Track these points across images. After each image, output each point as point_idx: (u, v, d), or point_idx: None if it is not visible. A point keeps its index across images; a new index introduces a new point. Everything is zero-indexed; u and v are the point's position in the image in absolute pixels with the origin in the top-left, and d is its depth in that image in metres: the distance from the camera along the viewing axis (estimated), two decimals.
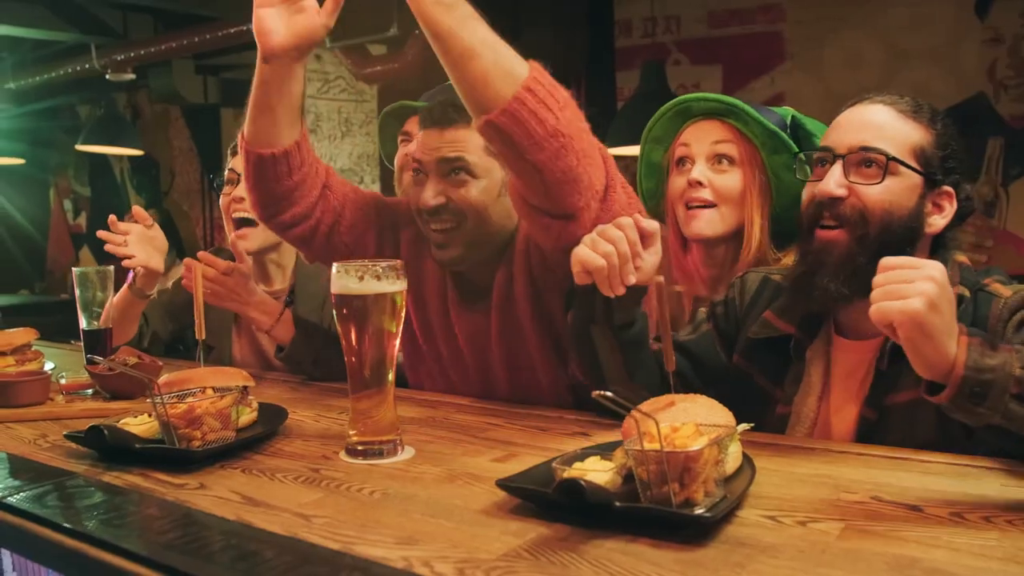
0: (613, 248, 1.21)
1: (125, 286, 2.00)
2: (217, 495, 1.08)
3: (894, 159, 1.24)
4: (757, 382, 1.44)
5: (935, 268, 0.99)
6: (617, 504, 0.92)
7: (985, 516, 0.97)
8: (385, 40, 5.48)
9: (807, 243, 1.33)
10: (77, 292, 1.78)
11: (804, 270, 1.33)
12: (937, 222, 1.27)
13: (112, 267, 1.81)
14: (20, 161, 6.85)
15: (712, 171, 1.67)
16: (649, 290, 1.32)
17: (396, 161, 2.33)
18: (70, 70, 6.19)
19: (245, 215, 2.00)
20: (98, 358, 1.48)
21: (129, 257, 1.90)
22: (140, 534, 0.96)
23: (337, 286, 1.21)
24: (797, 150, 1.60)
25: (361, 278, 1.20)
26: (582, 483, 0.91)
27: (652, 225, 1.25)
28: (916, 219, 1.25)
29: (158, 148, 7.61)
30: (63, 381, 1.62)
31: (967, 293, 1.26)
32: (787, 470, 1.16)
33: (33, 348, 1.80)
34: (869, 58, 4.96)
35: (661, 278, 1.06)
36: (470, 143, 1.55)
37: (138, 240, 1.92)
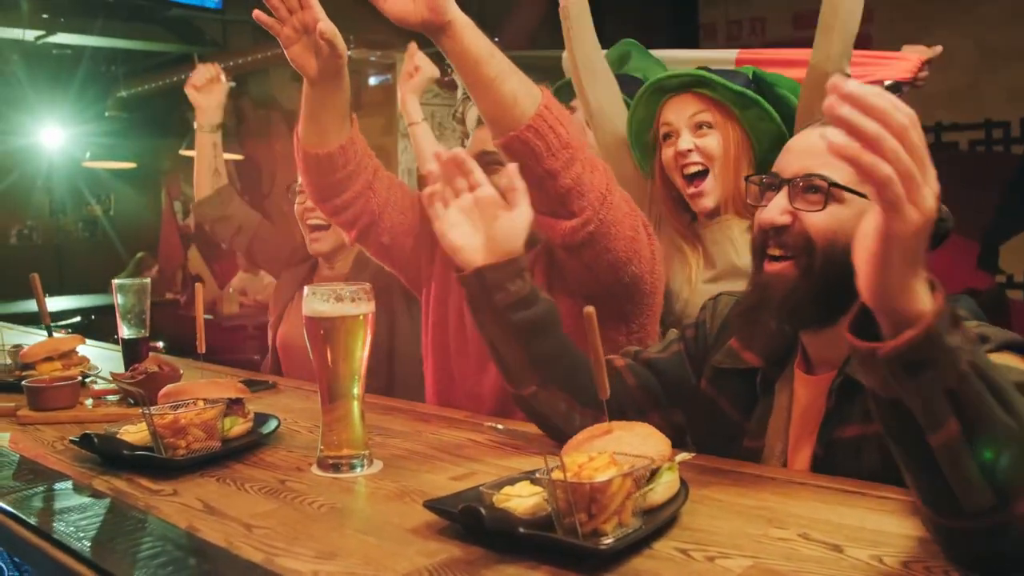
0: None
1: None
2: (183, 502, 1.18)
3: (835, 184, 1.19)
4: (723, 410, 1.41)
5: (937, 188, 0.83)
6: (521, 530, 0.96)
7: (904, 561, 0.95)
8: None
9: (756, 274, 1.29)
10: (118, 301, 1.93)
11: (750, 304, 1.30)
12: None
13: (148, 280, 1.95)
14: (132, 165, 7.31)
15: (695, 137, 1.89)
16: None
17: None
18: (175, 79, 6.57)
19: (318, 221, 2.27)
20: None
21: None
22: (92, 536, 1.05)
23: (308, 309, 1.28)
24: (763, 101, 1.85)
25: (330, 300, 1.27)
26: (480, 509, 0.95)
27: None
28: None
29: (261, 152, 7.95)
30: (96, 387, 1.76)
31: None
32: (731, 500, 1.16)
33: (79, 354, 1.96)
34: (959, 58, 4.74)
35: (591, 308, 1.08)
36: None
37: None
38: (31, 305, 5.83)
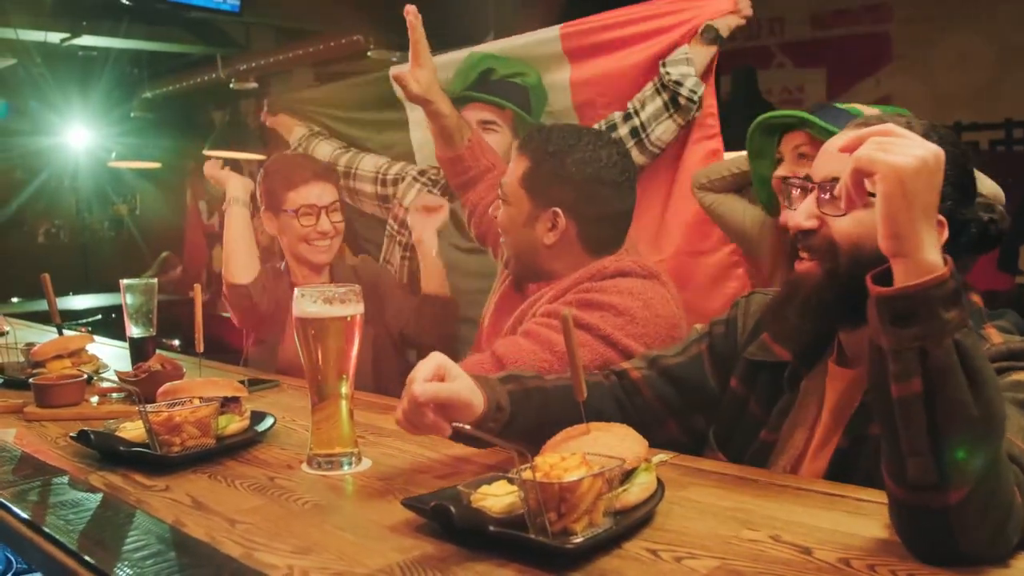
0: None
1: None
2: (173, 498, 1.21)
3: None
4: (751, 409, 1.42)
5: (935, 147, 0.95)
6: (491, 529, 0.98)
7: (871, 564, 0.95)
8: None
9: (788, 272, 1.32)
10: (125, 301, 1.98)
11: (779, 300, 1.32)
12: None
13: (155, 280, 2.00)
14: (156, 165, 7.40)
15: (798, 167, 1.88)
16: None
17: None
18: (198, 80, 6.66)
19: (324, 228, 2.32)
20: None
21: None
22: (80, 529, 1.09)
23: (298, 310, 1.31)
24: None
25: (319, 302, 1.30)
26: (450, 507, 0.97)
27: None
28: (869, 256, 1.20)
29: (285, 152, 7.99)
30: (102, 384, 1.80)
31: None
32: (709, 502, 1.17)
33: (89, 352, 2.00)
34: (979, 57, 4.69)
35: (568, 311, 1.10)
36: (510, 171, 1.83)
37: None
38: (58, 303, 5.94)
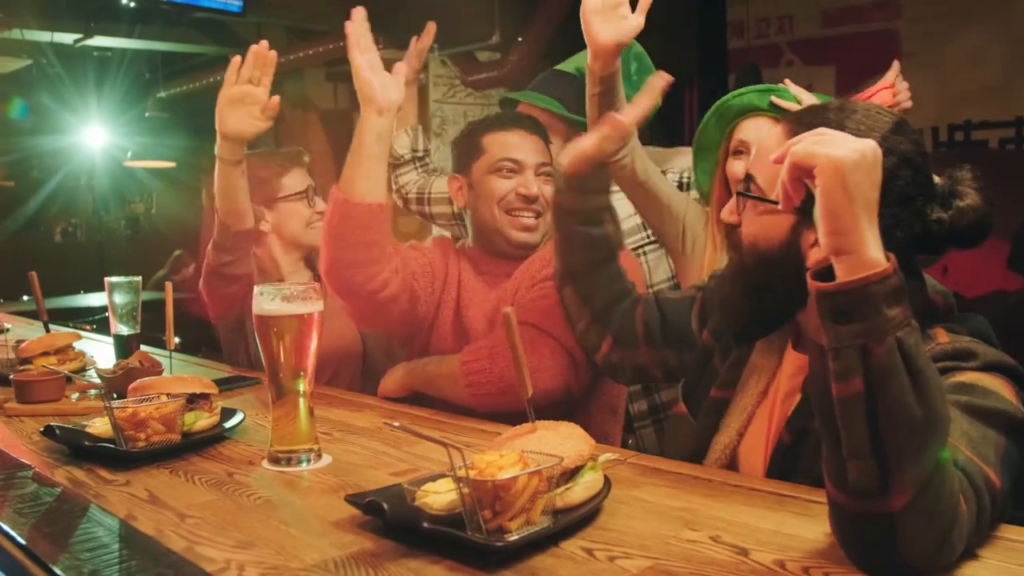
0: None
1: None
2: (131, 492, 1.23)
3: (742, 194, 1.23)
4: (714, 363, 1.44)
5: (871, 142, 0.94)
6: (424, 525, 0.98)
7: (806, 567, 0.95)
8: (490, 47, 5.65)
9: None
10: (110, 299, 2.01)
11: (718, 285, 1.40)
12: (818, 255, 1.21)
13: (139, 278, 2.02)
14: (171, 164, 7.51)
15: None
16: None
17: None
18: (211, 80, 6.73)
19: None
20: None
21: None
22: (32, 522, 1.11)
23: (256, 308, 1.32)
24: None
25: (277, 300, 1.31)
26: (383, 504, 0.98)
27: None
28: (788, 251, 1.18)
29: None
30: (83, 380, 1.83)
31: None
32: (657, 501, 1.17)
33: (76, 349, 2.03)
34: (991, 55, 4.64)
35: (510, 308, 1.10)
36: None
37: None
38: (70, 301, 6.02)
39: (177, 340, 4.00)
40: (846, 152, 0.91)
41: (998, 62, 4.67)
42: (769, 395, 1.33)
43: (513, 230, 1.86)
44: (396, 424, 0.98)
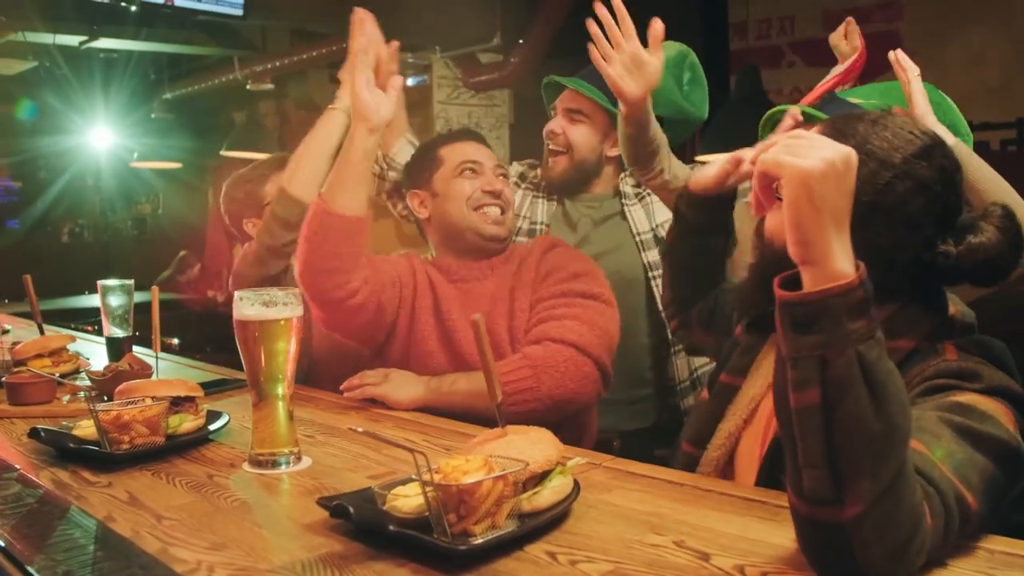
0: None
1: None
2: (112, 494, 1.25)
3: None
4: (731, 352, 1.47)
5: (848, 150, 0.92)
6: (391, 528, 1.00)
7: (764, 572, 0.96)
8: (491, 49, 5.67)
9: None
10: (103, 301, 2.03)
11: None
12: None
13: (131, 281, 2.05)
14: (177, 165, 7.53)
15: None
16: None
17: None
18: (216, 81, 6.77)
19: None
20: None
21: None
22: (12, 523, 1.13)
23: (236, 313, 1.34)
24: None
25: (256, 305, 1.33)
26: (349, 507, 1.00)
27: None
28: None
29: None
30: (73, 383, 1.85)
31: (909, 345, 1.19)
32: (627, 506, 1.18)
33: (71, 351, 2.06)
34: (993, 56, 4.63)
35: (479, 316, 1.12)
36: None
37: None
38: (75, 302, 6.05)
39: (176, 341, 4.05)
40: (812, 163, 0.90)
41: (999, 63, 4.66)
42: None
43: (483, 224, 1.95)
44: (359, 429, 1.00)
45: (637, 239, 2.26)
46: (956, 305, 1.25)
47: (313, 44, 6.10)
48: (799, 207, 0.91)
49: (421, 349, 1.88)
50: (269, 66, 6.38)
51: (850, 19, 2.22)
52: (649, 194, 2.29)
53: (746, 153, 1.51)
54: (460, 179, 1.97)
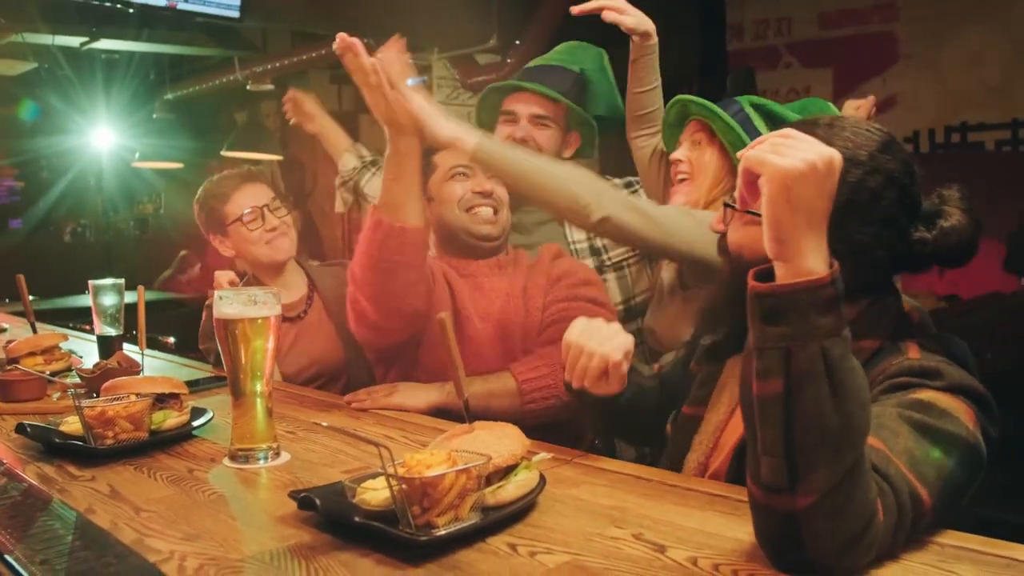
0: None
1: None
2: (94, 487, 1.29)
3: (729, 205, 1.26)
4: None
5: (832, 153, 0.95)
6: (356, 520, 1.04)
7: (716, 564, 0.99)
8: (489, 50, 5.71)
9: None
10: (94, 301, 2.07)
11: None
12: None
13: (122, 280, 2.09)
14: (179, 165, 7.58)
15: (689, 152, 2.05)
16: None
17: (497, 135, 2.31)
18: (217, 82, 6.81)
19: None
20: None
21: None
22: None
23: (217, 312, 1.38)
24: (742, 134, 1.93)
25: (235, 304, 1.37)
26: (315, 499, 1.03)
27: None
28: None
29: (306, 152, 8.15)
30: (67, 380, 1.90)
31: (874, 344, 1.21)
32: (592, 500, 1.21)
33: (63, 349, 2.10)
34: (989, 57, 4.64)
35: (444, 314, 1.16)
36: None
37: None
38: (76, 301, 6.09)
39: (172, 339, 4.09)
40: (793, 163, 0.93)
41: (995, 64, 4.67)
42: (736, 411, 1.35)
43: (474, 224, 1.99)
44: (324, 424, 1.04)
45: (572, 247, 2.29)
46: (910, 304, 1.27)
47: (313, 45, 6.14)
48: (776, 205, 0.94)
49: (428, 359, 1.91)
50: (269, 67, 6.43)
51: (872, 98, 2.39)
52: None
53: None
54: (452, 182, 2.01)
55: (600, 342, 1.40)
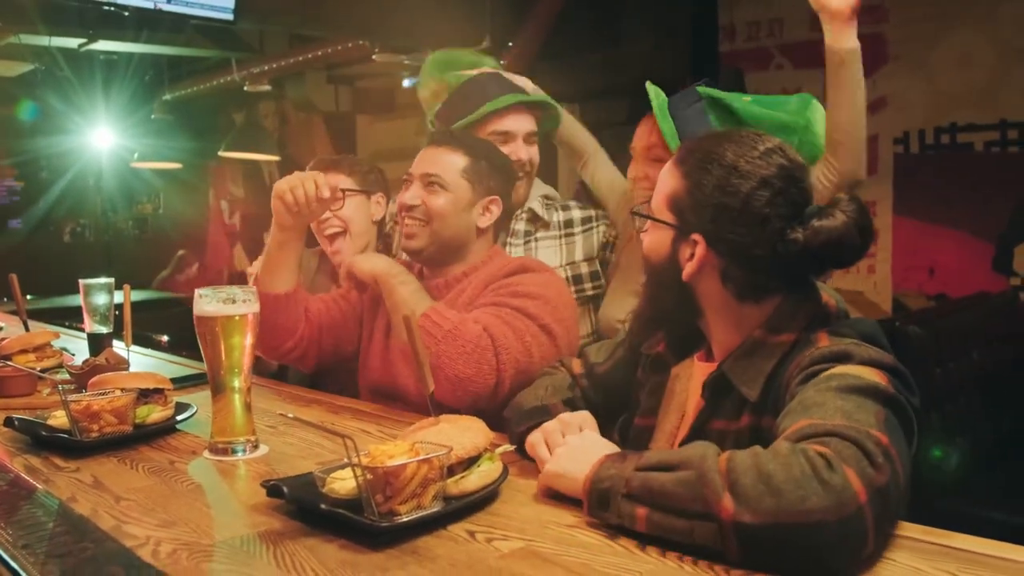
0: None
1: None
2: (78, 478, 1.34)
3: (637, 213, 1.38)
4: (639, 396, 1.50)
5: (581, 436, 1.25)
6: (322, 507, 1.09)
7: (663, 550, 1.04)
8: (482, 52, 5.75)
9: None
10: (84, 299, 2.13)
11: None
12: (689, 267, 1.30)
13: (112, 280, 2.14)
14: (177, 165, 7.64)
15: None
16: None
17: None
18: (215, 83, 6.87)
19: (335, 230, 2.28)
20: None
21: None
22: None
23: (197, 309, 1.43)
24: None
25: (215, 302, 1.42)
26: (283, 487, 1.09)
27: None
28: (671, 262, 1.31)
29: (303, 153, 8.20)
30: (57, 376, 1.95)
31: (791, 338, 1.27)
32: (554, 491, 1.27)
33: (55, 347, 2.16)
34: (978, 58, 4.68)
35: (408, 313, 1.21)
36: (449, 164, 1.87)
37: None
38: (76, 300, 6.15)
39: (166, 338, 4.14)
40: (549, 467, 1.23)
41: (984, 65, 4.70)
42: (687, 414, 1.41)
43: (401, 238, 1.95)
44: (290, 415, 1.09)
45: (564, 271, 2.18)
46: (828, 294, 1.33)
47: (310, 46, 6.20)
48: (554, 488, 1.22)
49: (361, 375, 2.02)
50: (266, 68, 6.49)
51: None
52: (537, 239, 2.21)
53: None
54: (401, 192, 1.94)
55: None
